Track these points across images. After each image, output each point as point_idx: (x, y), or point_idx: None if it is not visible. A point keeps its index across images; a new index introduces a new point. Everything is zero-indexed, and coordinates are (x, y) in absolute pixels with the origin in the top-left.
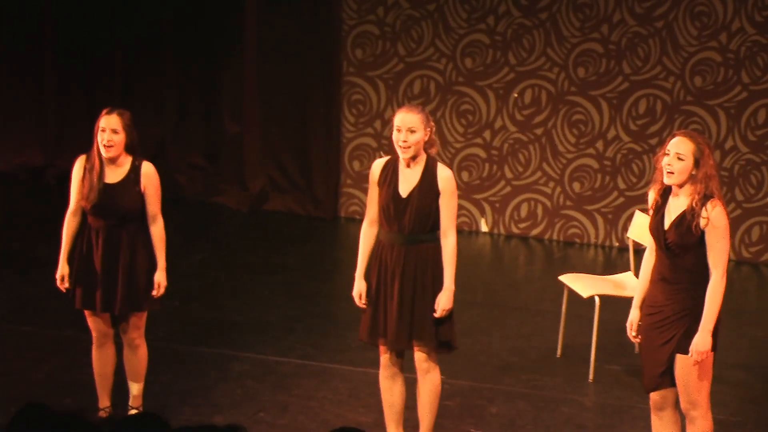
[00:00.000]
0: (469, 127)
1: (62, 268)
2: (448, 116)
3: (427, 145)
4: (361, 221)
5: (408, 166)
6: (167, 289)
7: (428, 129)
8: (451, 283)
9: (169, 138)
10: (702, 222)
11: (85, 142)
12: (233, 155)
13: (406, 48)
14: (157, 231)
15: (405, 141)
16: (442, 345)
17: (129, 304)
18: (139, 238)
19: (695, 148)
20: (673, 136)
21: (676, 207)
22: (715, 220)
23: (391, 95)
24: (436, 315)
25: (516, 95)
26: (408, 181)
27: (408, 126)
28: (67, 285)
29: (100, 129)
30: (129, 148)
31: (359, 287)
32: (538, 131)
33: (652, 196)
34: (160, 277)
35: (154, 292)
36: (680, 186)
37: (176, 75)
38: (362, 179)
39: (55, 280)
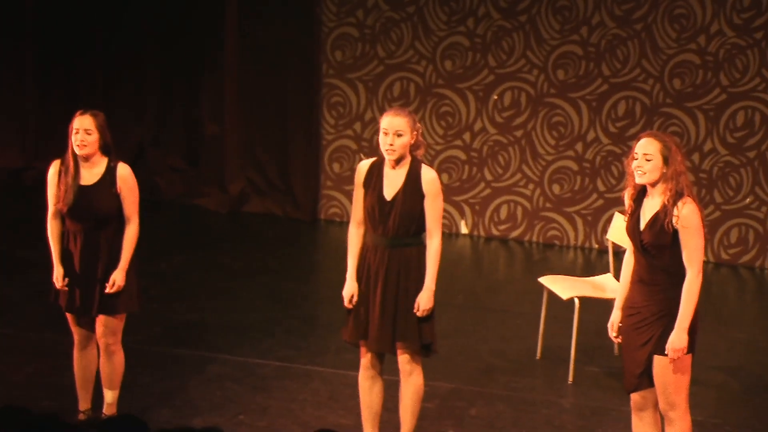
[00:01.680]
0: (448, 129)
1: (57, 270)
2: (428, 118)
3: (413, 147)
4: (341, 223)
5: (393, 168)
6: (146, 291)
7: (415, 132)
8: (431, 283)
9: (149, 140)
10: (674, 220)
11: (65, 144)
12: (213, 157)
13: (385, 50)
14: (129, 232)
15: (391, 145)
16: (423, 348)
17: (105, 306)
18: (117, 240)
19: (662, 147)
20: (639, 139)
21: (650, 208)
22: (685, 219)
23: (371, 97)
24: (417, 314)
25: (496, 97)
26: (393, 183)
27: (395, 129)
28: (64, 284)
29: (73, 130)
30: (103, 149)
31: (351, 288)
32: (518, 133)
33: (626, 201)
34: (117, 276)
35: (107, 289)
36: (653, 185)
37: (157, 77)
38: (342, 181)
39: (35, 282)
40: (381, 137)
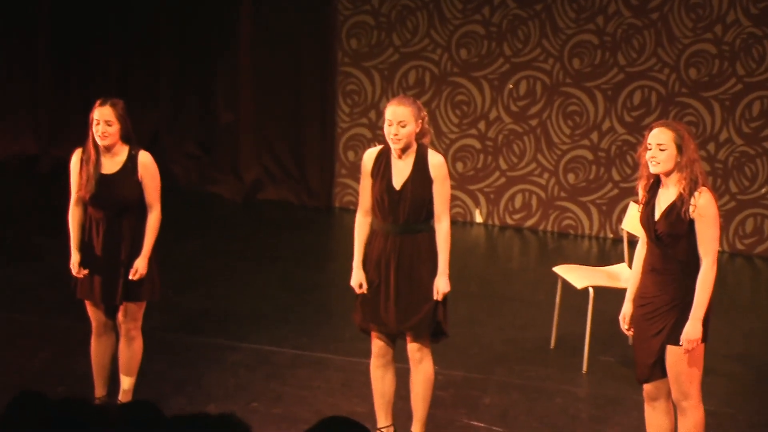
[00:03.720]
0: (464, 118)
1: (75, 256)
2: (443, 107)
3: (419, 135)
4: (355, 211)
5: (400, 157)
6: (160, 278)
7: (420, 120)
8: (446, 267)
9: (163, 127)
10: (691, 209)
11: (79, 131)
12: (228, 145)
13: (401, 38)
14: (151, 219)
15: (396, 134)
16: (436, 333)
17: (128, 294)
18: (139, 228)
19: (675, 135)
20: (651, 129)
21: (666, 198)
22: (702, 208)
23: (386, 85)
24: (437, 298)
25: (511, 86)
26: (401, 172)
27: (399, 119)
28: (81, 271)
29: (93, 121)
30: (124, 138)
31: (358, 277)
32: (533, 122)
33: (640, 191)
34: (139, 264)
35: (130, 276)
36: (668, 175)
37: (171, 64)
38: (357, 169)
39: (50, 268)
40: (386, 127)
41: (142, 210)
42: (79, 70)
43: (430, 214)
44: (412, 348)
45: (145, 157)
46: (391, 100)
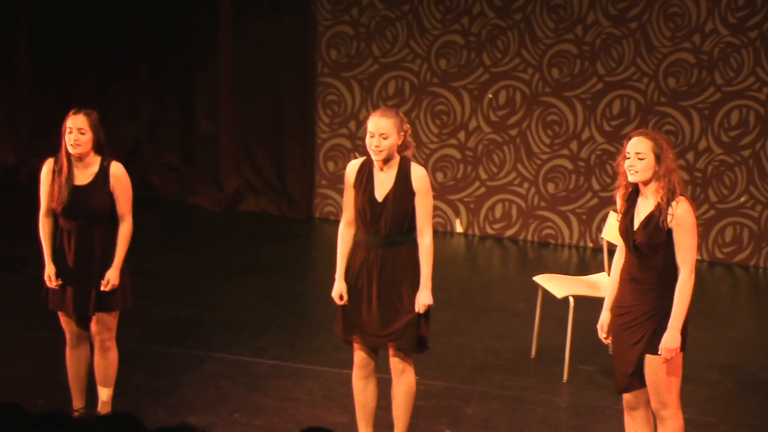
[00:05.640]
0: (443, 128)
1: (49, 268)
2: (423, 117)
3: (401, 148)
4: (335, 222)
5: (382, 169)
6: (140, 289)
7: (402, 132)
8: (428, 281)
9: (143, 138)
10: (669, 219)
11: (58, 143)
12: (208, 156)
13: (380, 49)
14: (122, 230)
15: (377, 146)
16: (418, 345)
17: (101, 304)
18: (111, 238)
19: (653, 145)
20: (630, 138)
21: (644, 207)
22: (680, 217)
23: (366, 96)
24: (418, 311)
25: (490, 96)
26: (383, 184)
27: (381, 131)
28: (57, 283)
29: (67, 129)
30: (97, 148)
31: (339, 288)
32: (513, 132)
33: (618, 201)
34: (111, 275)
35: (102, 287)
36: (646, 184)
37: (151, 75)
38: (337, 180)
39: (29, 279)
40: (367, 138)
41: (114, 221)
42: (58, 82)
43: (412, 227)
44: (395, 359)
45: (116, 168)
46: (374, 112)
